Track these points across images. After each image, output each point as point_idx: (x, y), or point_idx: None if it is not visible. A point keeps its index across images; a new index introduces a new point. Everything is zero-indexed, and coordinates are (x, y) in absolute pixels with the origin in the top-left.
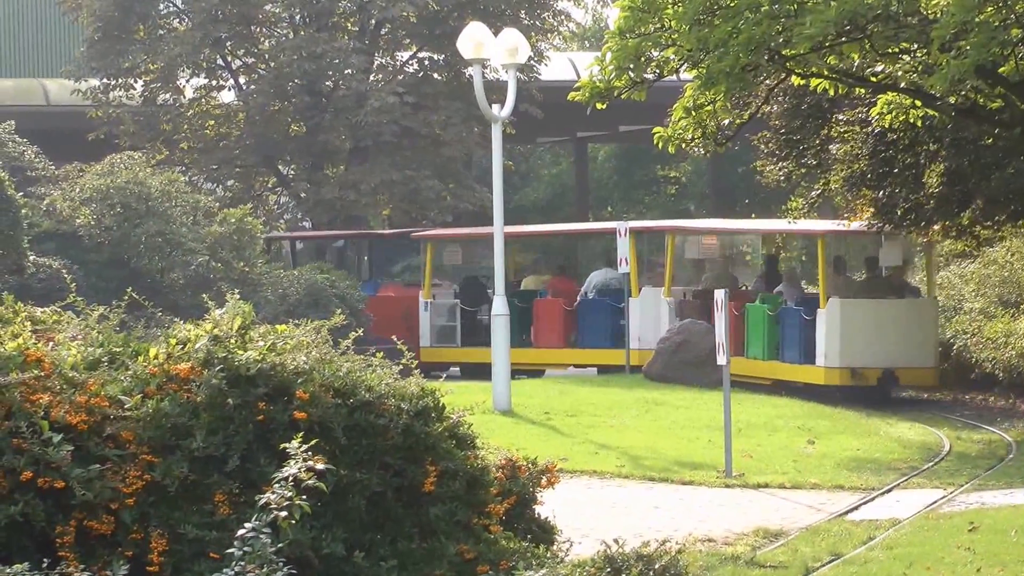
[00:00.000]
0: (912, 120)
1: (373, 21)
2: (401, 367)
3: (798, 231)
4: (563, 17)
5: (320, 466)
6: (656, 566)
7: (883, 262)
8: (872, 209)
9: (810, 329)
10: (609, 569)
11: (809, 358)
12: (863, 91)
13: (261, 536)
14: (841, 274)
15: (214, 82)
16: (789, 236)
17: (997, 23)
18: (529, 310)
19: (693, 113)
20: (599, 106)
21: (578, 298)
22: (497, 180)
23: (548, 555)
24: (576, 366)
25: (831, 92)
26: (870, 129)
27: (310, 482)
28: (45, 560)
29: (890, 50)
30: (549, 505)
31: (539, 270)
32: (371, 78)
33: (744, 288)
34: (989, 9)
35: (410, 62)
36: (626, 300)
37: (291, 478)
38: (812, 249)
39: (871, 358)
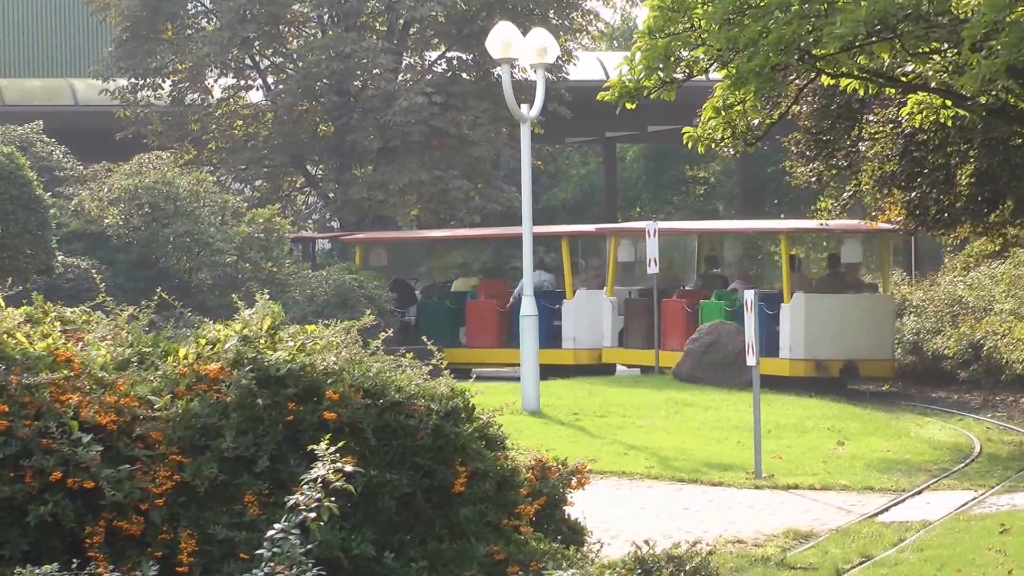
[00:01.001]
0: (943, 120)
1: (401, 21)
2: (431, 367)
3: (761, 230)
4: (592, 16)
5: (348, 467)
6: (687, 567)
7: (844, 259)
8: (902, 210)
9: (772, 323)
10: (640, 570)
11: (771, 351)
12: (893, 91)
13: (290, 537)
14: (795, 271)
15: (242, 82)
16: (744, 235)
17: None
18: (461, 311)
19: (723, 113)
20: (628, 106)
21: (511, 299)
22: (526, 180)
23: (578, 556)
24: (510, 365)
25: (861, 92)
26: (900, 129)
27: (338, 483)
28: (75, 560)
29: (920, 50)
30: (579, 506)
31: (469, 272)
32: (399, 78)
33: (683, 288)
34: (1020, 8)
35: (438, 62)
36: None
37: (319, 479)
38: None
39: (834, 350)
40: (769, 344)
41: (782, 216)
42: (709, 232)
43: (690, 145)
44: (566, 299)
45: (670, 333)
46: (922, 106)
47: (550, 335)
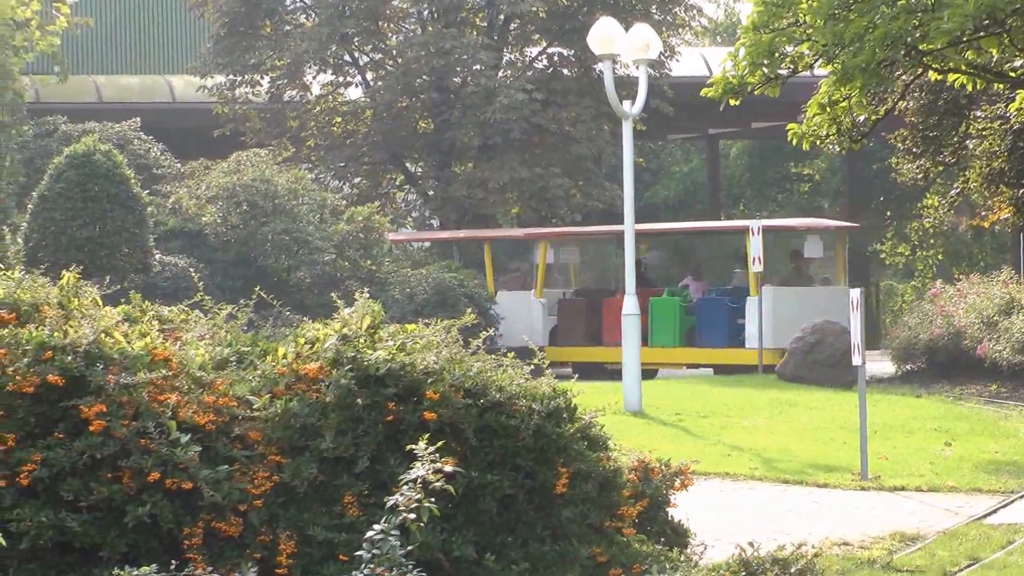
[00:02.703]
0: None
1: (502, 16)
2: (532, 367)
3: (725, 228)
4: (695, 12)
5: (449, 468)
6: (792, 570)
7: (807, 254)
8: (1010, 207)
9: (736, 316)
10: (744, 573)
11: (736, 342)
12: (1002, 87)
13: (390, 538)
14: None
15: (341, 78)
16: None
17: None
18: None
19: (828, 109)
20: (732, 102)
21: None
22: (628, 178)
23: (682, 558)
24: None
25: (969, 88)
26: (1009, 125)
27: (438, 484)
28: (173, 562)
29: None
30: (682, 508)
31: None
32: (500, 74)
33: (614, 291)
34: None
35: (539, 58)
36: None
37: (420, 480)
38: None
39: None
40: (733, 336)
41: (888, 215)
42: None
43: (794, 142)
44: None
45: (614, 329)
46: None
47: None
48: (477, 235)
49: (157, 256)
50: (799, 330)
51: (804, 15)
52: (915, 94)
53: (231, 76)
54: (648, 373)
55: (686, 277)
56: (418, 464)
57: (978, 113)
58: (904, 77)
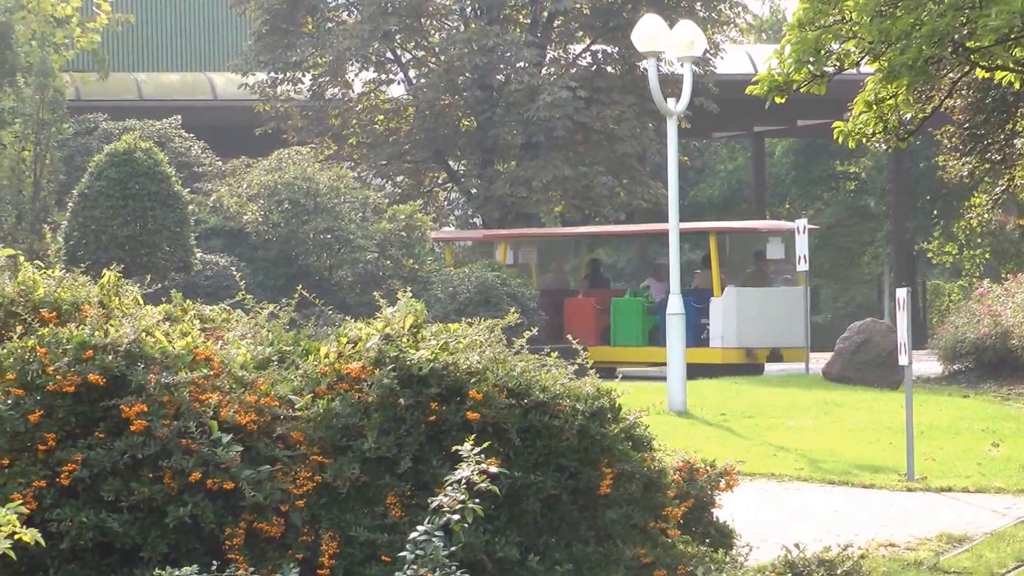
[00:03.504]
0: None
1: (545, 13)
2: (576, 367)
3: (689, 229)
4: (740, 9)
5: (493, 468)
6: (838, 571)
7: (770, 256)
8: None
9: (700, 316)
10: (790, 574)
11: (700, 342)
12: None
13: (434, 539)
14: (708, 268)
15: (383, 76)
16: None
17: None
18: None
19: (874, 107)
20: (777, 100)
21: None
22: (672, 176)
23: (727, 560)
24: None
25: (1017, 85)
26: None
27: (482, 485)
28: (214, 563)
29: None
30: (727, 508)
31: None
32: (543, 72)
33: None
34: None
35: (583, 55)
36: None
37: (464, 480)
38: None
39: (761, 339)
40: (697, 335)
41: (935, 213)
42: (594, 235)
43: (840, 140)
44: None
45: (576, 328)
46: None
47: None
48: (443, 237)
49: (198, 255)
50: (762, 329)
51: (850, 12)
52: (962, 92)
53: (272, 73)
54: (608, 372)
55: (648, 278)
56: (463, 465)
57: None
58: (951, 75)
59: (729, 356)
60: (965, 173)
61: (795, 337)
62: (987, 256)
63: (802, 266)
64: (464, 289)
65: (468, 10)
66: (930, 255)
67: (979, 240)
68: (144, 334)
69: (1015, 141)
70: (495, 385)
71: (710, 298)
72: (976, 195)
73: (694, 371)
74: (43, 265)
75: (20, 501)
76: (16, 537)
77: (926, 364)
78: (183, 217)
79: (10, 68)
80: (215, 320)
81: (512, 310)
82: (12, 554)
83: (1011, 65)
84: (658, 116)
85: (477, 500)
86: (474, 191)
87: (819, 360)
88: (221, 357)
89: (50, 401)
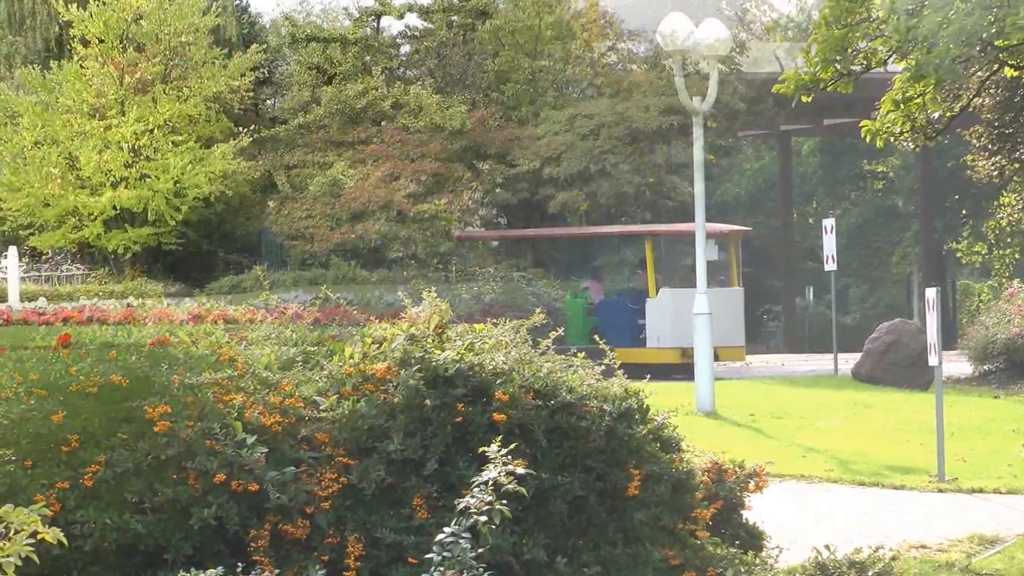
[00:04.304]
0: None
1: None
2: (603, 367)
3: (626, 232)
4: (766, 7)
5: (520, 470)
6: (869, 573)
7: (706, 257)
8: None
9: (637, 316)
10: None
11: (636, 342)
12: None
13: (461, 541)
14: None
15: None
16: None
17: None
18: None
19: (902, 106)
20: (804, 99)
21: None
22: (698, 175)
23: (756, 562)
24: None
25: None
26: None
27: (510, 486)
28: (239, 564)
29: None
30: (756, 510)
31: None
32: (570, 69)
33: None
34: None
35: (609, 53)
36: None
37: (491, 482)
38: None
39: None
40: (634, 335)
41: (964, 212)
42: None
43: (868, 139)
44: None
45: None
46: None
47: None
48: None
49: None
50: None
51: (877, 11)
52: (991, 91)
53: None
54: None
55: (588, 281)
56: (489, 466)
57: None
58: (980, 73)
59: (664, 356)
60: (994, 172)
61: (733, 337)
62: (1017, 256)
63: (830, 265)
64: (489, 289)
65: None
66: (959, 255)
67: (1009, 240)
68: (168, 334)
69: None
70: (521, 386)
71: (646, 299)
72: (1005, 194)
73: (630, 371)
74: None
75: (43, 503)
76: (39, 537)
77: (956, 364)
78: None
79: None
80: (239, 320)
81: (538, 310)
82: (35, 556)
83: None
84: (684, 114)
85: (504, 502)
86: (499, 190)
87: (847, 361)
88: (245, 358)
89: (73, 402)
